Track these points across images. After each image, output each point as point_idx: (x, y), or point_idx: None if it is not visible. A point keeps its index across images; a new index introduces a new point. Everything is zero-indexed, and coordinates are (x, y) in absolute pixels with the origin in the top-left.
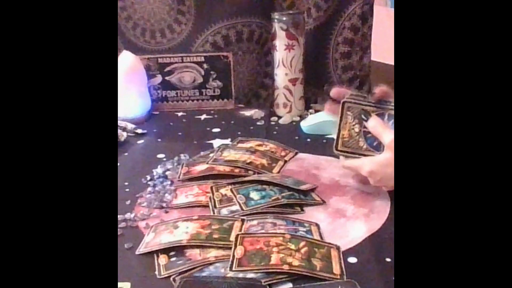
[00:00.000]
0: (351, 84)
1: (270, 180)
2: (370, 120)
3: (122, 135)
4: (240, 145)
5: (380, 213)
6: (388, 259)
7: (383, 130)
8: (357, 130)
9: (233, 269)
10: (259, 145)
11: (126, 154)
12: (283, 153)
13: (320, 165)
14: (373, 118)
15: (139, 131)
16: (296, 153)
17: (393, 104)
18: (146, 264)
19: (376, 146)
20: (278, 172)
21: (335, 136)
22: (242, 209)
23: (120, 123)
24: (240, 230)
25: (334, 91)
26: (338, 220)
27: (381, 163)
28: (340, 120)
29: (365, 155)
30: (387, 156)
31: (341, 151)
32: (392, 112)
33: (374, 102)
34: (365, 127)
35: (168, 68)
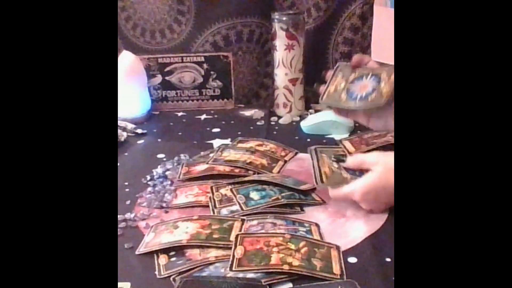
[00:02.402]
0: None
1: (270, 180)
2: (347, 159)
3: (122, 135)
4: (240, 145)
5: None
6: (388, 259)
7: (362, 157)
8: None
9: (233, 269)
10: (259, 145)
11: (126, 154)
12: (283, 153)
13: None
14: (349, 157)
15: (139, 131)
16: (296, 153)
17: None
18: (146, 264)
19: (360, 175)
20: (278, 172)
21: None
22: (242, 209)
23: (120, 123)
24: (240, 230)
25: (356, 57)
26: (338, 220)
27: (372, 180)
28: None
29: None
30: (378, 170)
31: (326, 184)
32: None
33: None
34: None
35: (168, 68)
